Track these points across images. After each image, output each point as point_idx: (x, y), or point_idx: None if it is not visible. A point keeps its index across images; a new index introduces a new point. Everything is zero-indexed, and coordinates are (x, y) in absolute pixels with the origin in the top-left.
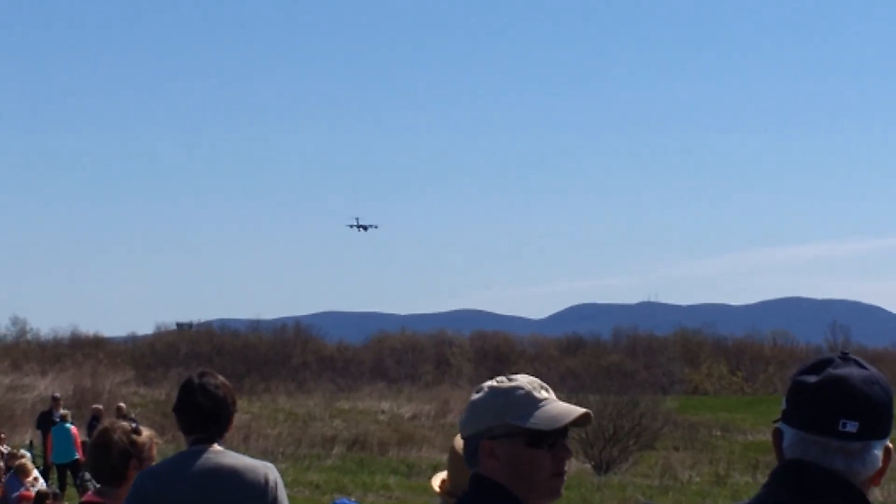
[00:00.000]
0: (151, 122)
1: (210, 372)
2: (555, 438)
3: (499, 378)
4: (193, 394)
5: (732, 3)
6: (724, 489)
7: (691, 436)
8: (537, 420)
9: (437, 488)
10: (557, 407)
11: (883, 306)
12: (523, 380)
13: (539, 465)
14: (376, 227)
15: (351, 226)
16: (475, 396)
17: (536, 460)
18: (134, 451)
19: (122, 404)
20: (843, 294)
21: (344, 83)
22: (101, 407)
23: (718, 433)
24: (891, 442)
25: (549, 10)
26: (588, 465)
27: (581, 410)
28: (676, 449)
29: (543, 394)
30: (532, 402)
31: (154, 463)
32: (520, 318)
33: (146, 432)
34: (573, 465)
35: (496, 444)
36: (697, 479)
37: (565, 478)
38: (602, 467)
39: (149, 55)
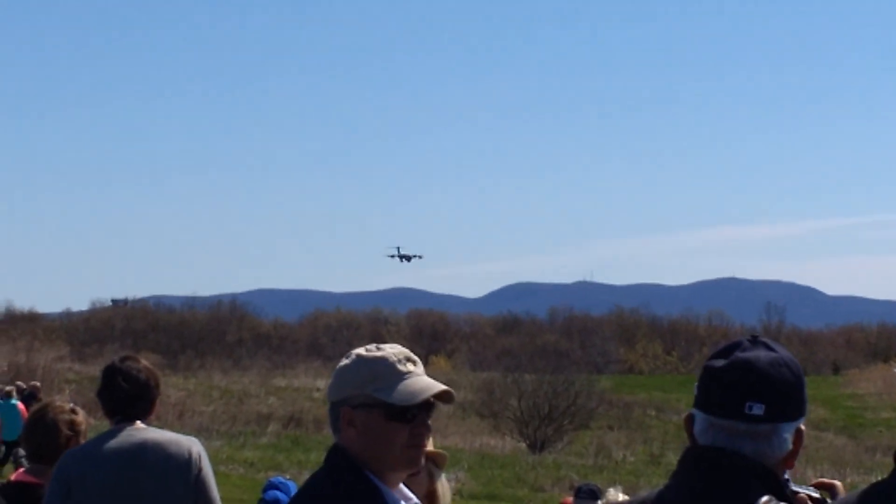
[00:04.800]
0: (92, 100)
1: (133, 356)
2: (415, 412)
3: (368, 346)
4: (115, 377)
5: None
6: (659, 468)
7: (626, 415)
8: (396, 394)
9: None
10: (419, 382)
11: (818, 287)
12: (390, 351)
13: (394, 439)
14: (420, 257)
15: (392, 255)
16: (343, 363)
17: (392, 433)
18: (73, 431)
19: (37, 383)
20: (778, 275)
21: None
22: (38, 384)
23: (653, 413)
24: (804, 424)
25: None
26: (523, 444)
27: (440, 387)
28: (611, 428)
29: (409, 367)
30: (395, 375)
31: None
32: (455, 297)
33: (82, 413)
34: (508, 444)
35: (356, 413)
36: (632, 459)
37: (423, 451)
38: (537, 446)
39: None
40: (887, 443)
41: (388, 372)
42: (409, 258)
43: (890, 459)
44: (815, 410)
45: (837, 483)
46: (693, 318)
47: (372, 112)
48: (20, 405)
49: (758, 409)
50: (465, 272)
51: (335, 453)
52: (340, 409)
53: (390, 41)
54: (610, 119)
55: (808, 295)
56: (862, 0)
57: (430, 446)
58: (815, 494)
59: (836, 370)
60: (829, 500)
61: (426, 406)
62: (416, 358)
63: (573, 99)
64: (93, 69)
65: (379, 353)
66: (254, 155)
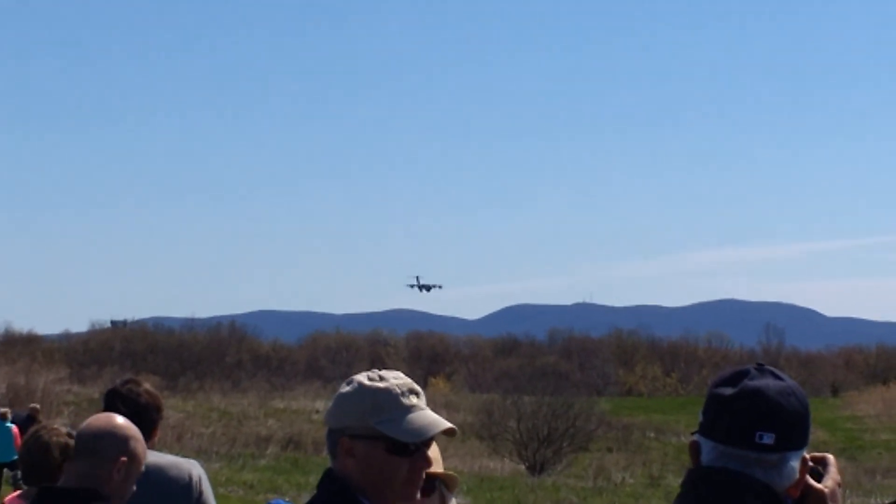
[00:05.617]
0: (91, 120)
1: (135, 379)
2: (417, 446)
3: (370, 374)
4: (114, 401)
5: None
6: (658, 491)
7: (625, 437)
8: (400, 429)
9: None
10: (423, 417)
11: (817, 309)
12: (393, 381)
13: (395, 473)
14: (440, 286)
15: (412, 286)
16: (344, 389)
17: (393, 467)
18: (64, 455)
19: (36, 405)
20: (777, 297)
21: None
22: (37, 406)
23: (652, 435)
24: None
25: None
26: (522, 467)
27: (446, 425)
28: (610, 450)
29: (412, 400)
30: (398, 409)
31: None
32: (455, 319)
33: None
34: (507, 466)
35: (355, 444)
36: (631, 481)
37: (420, 484)
38: (536, 468)
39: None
40: (886, 465)
41: (392, 405)
42: (428, 288)
43: (889, 481)
44: (813, 432)
45: (829, 455)
46: (692, 340)
47: (369, 135)
48: (14, 428)
49: (768, 439)
50: (465, 294)
51: (331, 481)
52: (339, 438)
53: (388, 62)
54: (608, 141)
55: (807, 316)
56: (860, 26)
57: (440, 468)
58: (810, 464)
59: (835, 392)
60: (820, 469)
61: (426, 440)
62: (418, 389)
63: (570, 121)
64: (91, 90)
65: (382, 384)
66: (253, 178)
